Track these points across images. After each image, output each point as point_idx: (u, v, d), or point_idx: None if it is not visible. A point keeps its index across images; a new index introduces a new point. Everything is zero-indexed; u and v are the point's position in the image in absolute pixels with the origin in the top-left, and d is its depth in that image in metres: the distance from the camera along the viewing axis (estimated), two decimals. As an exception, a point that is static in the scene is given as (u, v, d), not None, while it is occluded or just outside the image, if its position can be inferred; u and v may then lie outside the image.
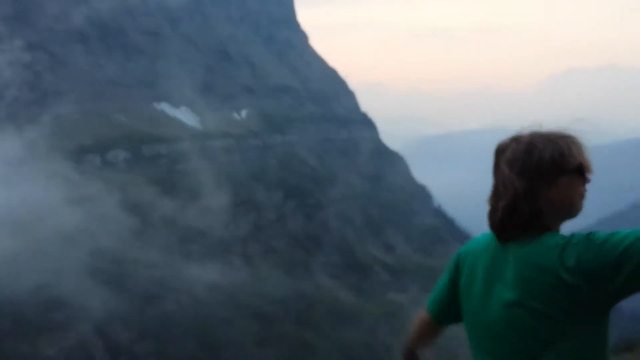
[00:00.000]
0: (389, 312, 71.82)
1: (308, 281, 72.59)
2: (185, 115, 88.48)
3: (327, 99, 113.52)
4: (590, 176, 1.75)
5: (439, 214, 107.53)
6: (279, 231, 79.52)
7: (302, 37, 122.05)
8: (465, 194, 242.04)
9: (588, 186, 1.79)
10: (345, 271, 78.22)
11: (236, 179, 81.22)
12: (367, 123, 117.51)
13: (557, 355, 1.63)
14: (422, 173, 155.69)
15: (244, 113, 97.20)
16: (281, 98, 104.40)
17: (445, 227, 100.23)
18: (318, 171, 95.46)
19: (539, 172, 1.70)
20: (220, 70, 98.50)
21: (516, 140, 1.76)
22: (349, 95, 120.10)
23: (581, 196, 1.77)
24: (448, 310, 2.11)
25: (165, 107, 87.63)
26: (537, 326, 1.63)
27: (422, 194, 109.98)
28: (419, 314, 2.21)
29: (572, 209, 1.76)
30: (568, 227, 1.79)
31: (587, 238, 1.60)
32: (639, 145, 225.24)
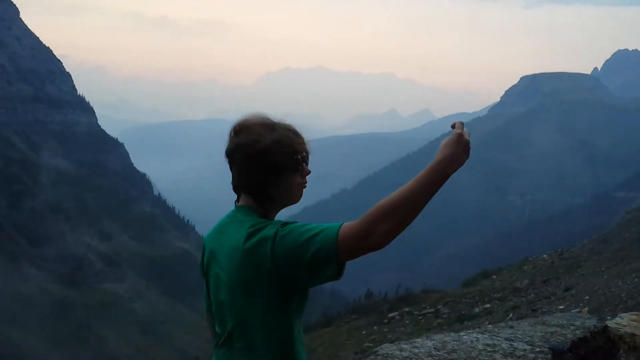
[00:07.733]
0: (104, 303, 70.62)
1: (15, 274, 67.43)
2: None
3: (40, 79, 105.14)
4: (308, 167, 1.79)
5: (159, 202, 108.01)
6: (-20, 221, 72.06)
7: (12, 9, 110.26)
8: (186, 182, 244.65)
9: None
10: (56, 262, 74.42)
11: None
12: (84, 107, 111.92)
13: (254, 328, 1.68)
14: (142, 161, 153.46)
15: None
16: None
17: (165, 216, 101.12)
18: (27, 155, 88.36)
19: (259, 160, 1.72)
20: None
21: (241, 129, 1.77)
22: (65, 76, 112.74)
23: (300, 186, 1.79)
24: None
25: None
26: (232, 298, 1.70)
27: (141, 181, 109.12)
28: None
29: (289, 198, 1.79)
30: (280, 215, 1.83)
31: (280, 227, 1.63)
32: (340, 141, 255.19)
